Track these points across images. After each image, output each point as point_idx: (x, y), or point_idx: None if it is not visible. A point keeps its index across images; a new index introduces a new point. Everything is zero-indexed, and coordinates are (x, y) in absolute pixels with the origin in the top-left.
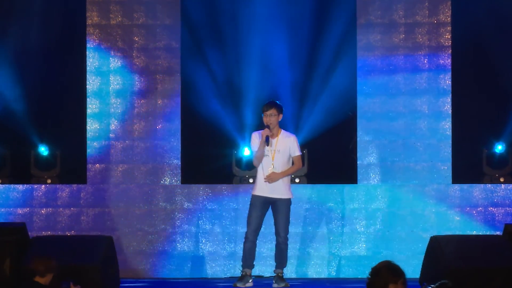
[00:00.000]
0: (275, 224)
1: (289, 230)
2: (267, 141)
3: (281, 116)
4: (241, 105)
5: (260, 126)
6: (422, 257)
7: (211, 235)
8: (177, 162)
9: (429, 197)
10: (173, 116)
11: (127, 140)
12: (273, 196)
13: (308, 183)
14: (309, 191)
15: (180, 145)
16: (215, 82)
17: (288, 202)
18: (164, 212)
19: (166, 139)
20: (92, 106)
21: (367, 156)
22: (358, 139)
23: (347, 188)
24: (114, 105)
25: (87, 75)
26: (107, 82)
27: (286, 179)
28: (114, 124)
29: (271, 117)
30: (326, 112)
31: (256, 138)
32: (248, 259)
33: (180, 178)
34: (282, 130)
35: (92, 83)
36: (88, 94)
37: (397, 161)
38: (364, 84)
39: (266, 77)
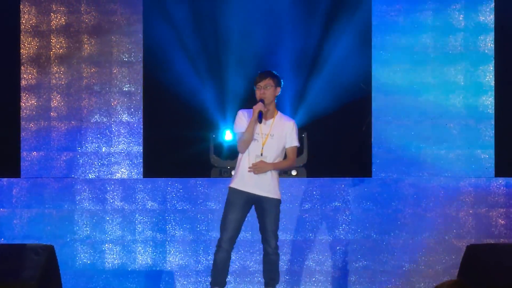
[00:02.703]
0: (263, 229)
1: (283, 238)
2: (259, 117)
3: (278, 90)
4: (222, 75)
5: (250, 102)
6: (456, 271)
7: (182, 243)
8: (138, 148)
9: (465, 194)
10: (133, 89)
11: (73, 121)
12: (259, 193)
13: (308, 176)
14: (309, 187)
15: (142, 126)
16: (189, 44)
17: (278, 202)
18: (121, 214)
19: (123, 119)
20: (27, 76)
21: (385, 141)
22: (373, 119)
23: (358, 182)
24: (57, 75)
25: (21, 36)
26: (47, 45)
27: (276, 175)
28: (56, 100)
29: (266, 89)
30: (331, 85)
31: (243, 117)
32: (221, 274)
33: (142, 169)
34: (279, 112)
35: (27, 46)
36: (22, 61)
37: (424, 147)
38: (381, 48)
39: (256, 39)
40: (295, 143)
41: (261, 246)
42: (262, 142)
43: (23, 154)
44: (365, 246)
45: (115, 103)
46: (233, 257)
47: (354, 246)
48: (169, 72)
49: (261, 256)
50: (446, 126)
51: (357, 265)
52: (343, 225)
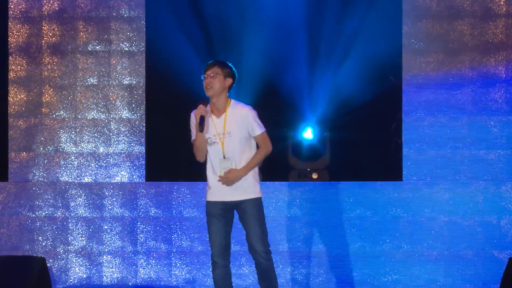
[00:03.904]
0: (247, 236)
1: (302, 249)
2: (201, 123)
3: (230, 81)
4: (234, 66)
5: (263, 96)
6: (497, 287)
7: (190, 255)
8: (140, 149)
9: (508, 200)
10: (135, 82)
11: (67, 118)
12: (235, 198)
13: (331, 179)
14: (331, 192)
15: (145, 124)
16: (197, 32)
17: (258, 202)
18: (121, 223)
19: (124, 116)
20: (16, 67)
21: (417, 141)
22: (403, 116)
23: (387, 187)
24: (49, 67)
25: (10, 23)
26: (38, 33)
27: (251, 172)
28: (48, 94)
29: (212, 79)
30: (357, 78)
31: (194, 120)
32: None
33: (144, 172)
34: (232, 101)
35: (16, 34)
36: (10, 50)
37: (461, 147)
38: (413, 36)
39: (272, 26)
40: (259, 130)
41: (277, 257)
42: (221, 142)
43: (11, 155)
44: (395, 258)
45: (114, 98)
46: (246, 270)
47: (383, 258)
48: (175, 63)
49: (278, 269)
50: (485, 124)
51: (385, 279)
52: (370, 234)
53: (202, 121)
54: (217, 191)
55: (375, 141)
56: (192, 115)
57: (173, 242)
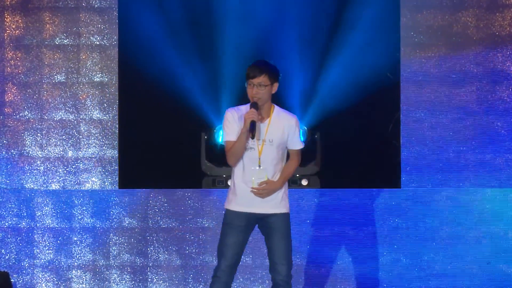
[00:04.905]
0: (270, 253)
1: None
2: (252, 129)
3: (276, 86)
4: (217, 62)
5: (244, 98)
6: None
7: (168, 270)
8: (113, 153)
9: None
10: (107, 79)
11: (32, 117)
12: (265, 211)
13: (322, 187)
14: (322, 200)
15: (118, 125)
16: (176, 24)
17: (287, 217)
18: (92, 234)
19: (94, 116)
20: None
21: (416, 144)
22: (402, 117)
23: (384, 195)
24: (12, 62)
25: None
26: (0, 26)
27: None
28: (11, 93)
29: (259, 88)
30: (351, 75)
31: (233, 120)
32: None
33: (117, 178)
34: (276, 106)
35: None
36: None
37: (464, 151)
38: (412, 29)
39: (258, 18)
40: (299, 145)
41: (265, 272)
42: (259, 150)
43: None
44: (392, 272)
45: (84, 96)
46: None
47: (380, 272)
48: (151, 58)
49: (264, 285)
50: (492, 125)
51: None
52: (366, 246)
53: (253, 127)
54: (245, 201)
55: (371, 144)
56: (228, 113)
57: (149, 255)
